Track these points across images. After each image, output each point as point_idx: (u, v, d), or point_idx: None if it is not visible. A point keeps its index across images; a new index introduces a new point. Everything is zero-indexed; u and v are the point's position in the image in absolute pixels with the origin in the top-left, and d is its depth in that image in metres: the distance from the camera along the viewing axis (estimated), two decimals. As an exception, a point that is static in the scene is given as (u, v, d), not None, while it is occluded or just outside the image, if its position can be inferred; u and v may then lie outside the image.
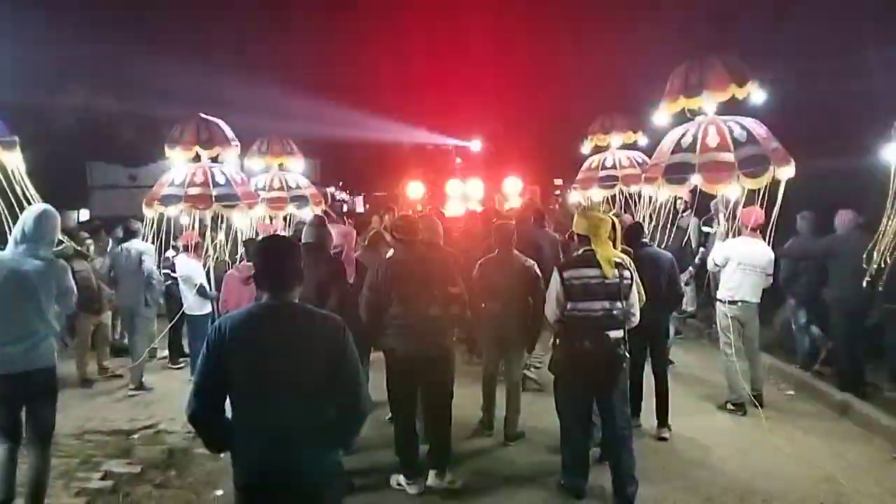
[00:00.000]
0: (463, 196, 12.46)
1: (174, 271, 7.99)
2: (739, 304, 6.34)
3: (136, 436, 5.95)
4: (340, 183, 24.13)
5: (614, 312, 4.43)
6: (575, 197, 9.79)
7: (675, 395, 6.87)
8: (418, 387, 4.93)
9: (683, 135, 5.99)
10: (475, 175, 13.38)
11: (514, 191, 12.52)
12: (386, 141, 21.37)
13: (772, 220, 5.98)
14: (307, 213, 8.76)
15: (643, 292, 4.73)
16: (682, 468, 5.22)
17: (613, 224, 4.63)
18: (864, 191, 6.41)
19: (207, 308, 7.61)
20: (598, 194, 9.16)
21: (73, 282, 4.38)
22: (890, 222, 5.01)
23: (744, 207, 6.20)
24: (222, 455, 5.24)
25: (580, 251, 4.58)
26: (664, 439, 5.74)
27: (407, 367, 4.81)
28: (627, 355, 4.50)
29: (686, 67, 6.09)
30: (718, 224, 6.79)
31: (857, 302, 6.45)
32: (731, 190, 5.88)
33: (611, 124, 9.10)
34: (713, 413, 6.48)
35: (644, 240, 5.92)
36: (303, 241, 5.14)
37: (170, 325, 8.14)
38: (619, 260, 4.51)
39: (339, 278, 5.03)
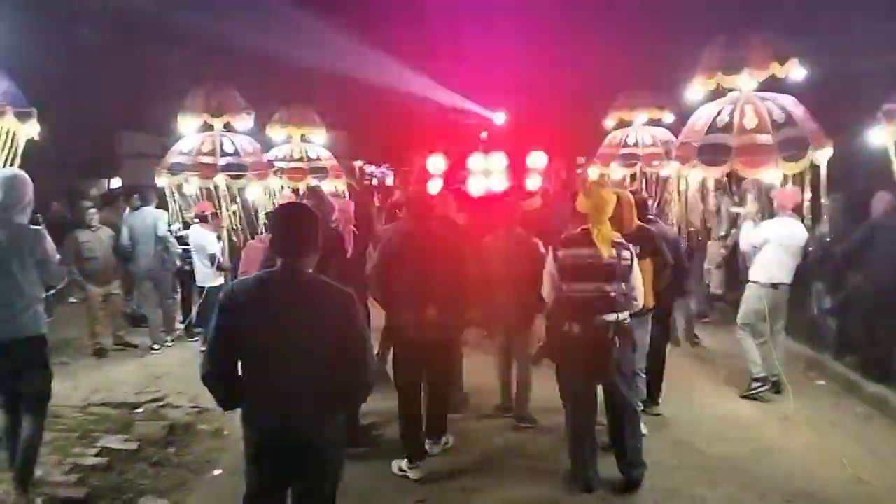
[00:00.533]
0: (485, 171, 12.08)
1: (184, 243, 7.92)
2: (777, 286, 6.15)
3: (140, 409, 5.87)
4: (367, 159, 23.82)
5: (611, 294, 4.20)
6: (593, 173, 9.44)
7: (699, 379, 6.65)
8: (422, 368, 4.83)
9: (719, 113, 5.70)
10: (499, 149, 12.98)
11: (538, 167, 12.12)
12: (414, 113, 20.99)
13: (807, 201, 5.78)
14: (328, 186, 8.54)
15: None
16: (702, 460, 4.95)
17: (620, 200, 4.46)
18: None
19: (220, 280, 7.51)
20: (617, 172, 8.83)
21: (52, 250, 4.20)
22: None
23: (781, 188, 5.98)
24: (226, 432, 5.27)
25: (579, 230, 4.39)
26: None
27: (409, 345, 4.75)
28: (618, 340, 4.24)
29: (725, 42, 5.81)
30: (747, 205, 6.48)
31: (890, 289, 6.17)
32: (770, 175, 5.68)
33: (636, 100, 8.77)
34: (737, 401, 6.19)
35: (650, 216, 5.62)
36: None
37: (181, 298, 8.10)
38: (618, 239, 4.30)
39: (339, 251, 4.94)
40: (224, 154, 7.22)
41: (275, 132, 8.96)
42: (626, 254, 4.26)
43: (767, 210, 6.44)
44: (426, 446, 4.89)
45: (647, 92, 8.85)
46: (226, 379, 2.70)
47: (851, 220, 6.87)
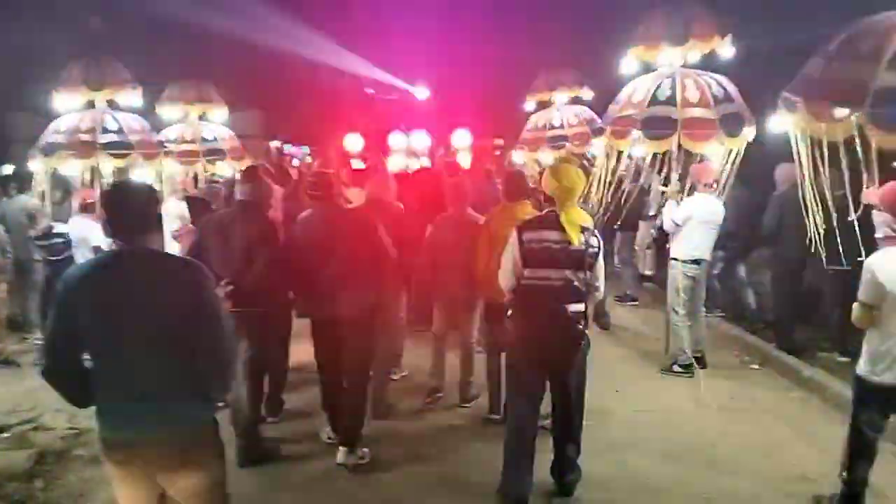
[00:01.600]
0: (407, 150, 11.47)
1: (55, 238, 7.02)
2: (699, 261, 6.11)
3: (5, 434, 5.05)
4: (285, 139, 22.65)
5: (575, 283, 3.88)
6: (519, 157, 9.13)
7: (621, 364, 6.50)
8: (336, 348, 4.61)
9: (659, 86, 5.39)
10: (421, 127, 12.40)
11: (464, 145, 11.59)
12: (333, 88, 20.06)
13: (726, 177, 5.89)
14: (224, 169, 7.75)
15: None
16: (629, 453, 4.64)
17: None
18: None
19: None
20: (547, 156, 8.46)
21: None
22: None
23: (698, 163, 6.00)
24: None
25: (544, 211, 4.07)
26: None
27: (321, 331, 4.67)
28: (586, 332, 3.98)
29: (666, 13, 5.62)
30: (670, 184, 6.20)
31: (797, 261, 6.32)
32: (712, 149, 5.62)
33: (556, 80, 8.51)
34: (660, 381, 6.08)
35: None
36: (237, 198, 4.73)
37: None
38: (585, 225, 3.94)
39: (269, 240, 4.57)
40: (106, 131, 6.41)
41: (166, 110, 8.02)
42: (593, 241, 3.93)
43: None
44: (339, 458, 4.51)
45: (568, 70, 8.62)
46: (68, 375, 2.50)
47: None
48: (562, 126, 8.46)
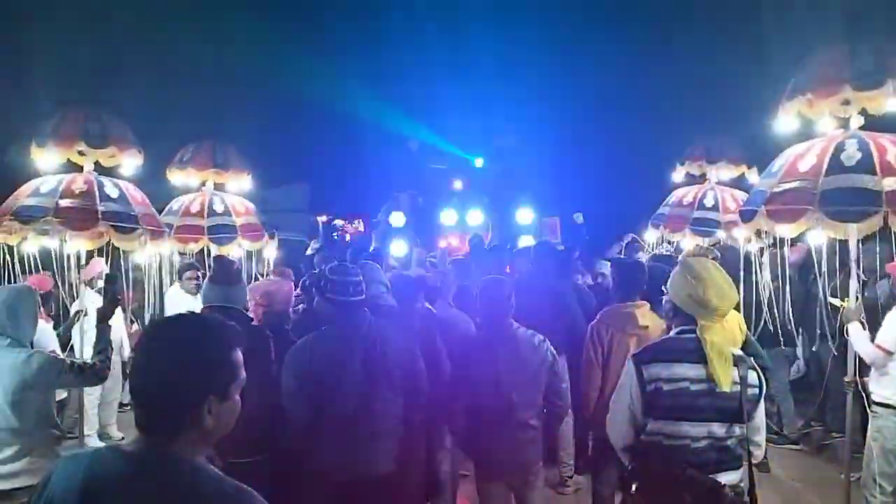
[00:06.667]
0: (460, 227, 10.05)
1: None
2: None
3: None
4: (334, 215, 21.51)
5: (728, 443, 2.77)
6: (652, 236, 7.40)
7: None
8: None
9: (841, 148, 3.77)
10: (477, 202, 11.03)
11: (527, 224, 10.11)
12: (381, 158, 18.95)
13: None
14: (233, 251, 6.25)
15: None
16: None
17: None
18: None
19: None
20: (689, 242, 6.81)
21: None
22: None
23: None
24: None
25: (674, 333, 2.93)
26: None
27: (340, 492, 3.27)
28: None
29: (843, 50, 3.99)
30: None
31: None
32: None
33: (719, 151, 6.89)
34: None
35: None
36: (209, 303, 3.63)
37: None
38: (738, 353, 2.81)
39: (261, 359, 3.39)
40: (105, 198, 5.07)
41: (175, 177, 6.52)
42: (752, 378, 2.79)
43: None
44: None
45: (728, 140, 7.07)
46: None
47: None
48: (715, 207, 6.80)
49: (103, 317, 3.76)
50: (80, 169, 5.21)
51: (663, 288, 3.01)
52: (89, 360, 3.67)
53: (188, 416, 1.58)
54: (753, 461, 2.85)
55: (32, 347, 3.56)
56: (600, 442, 3.82)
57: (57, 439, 3.53)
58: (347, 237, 16.99)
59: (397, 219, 10.56)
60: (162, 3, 11.29)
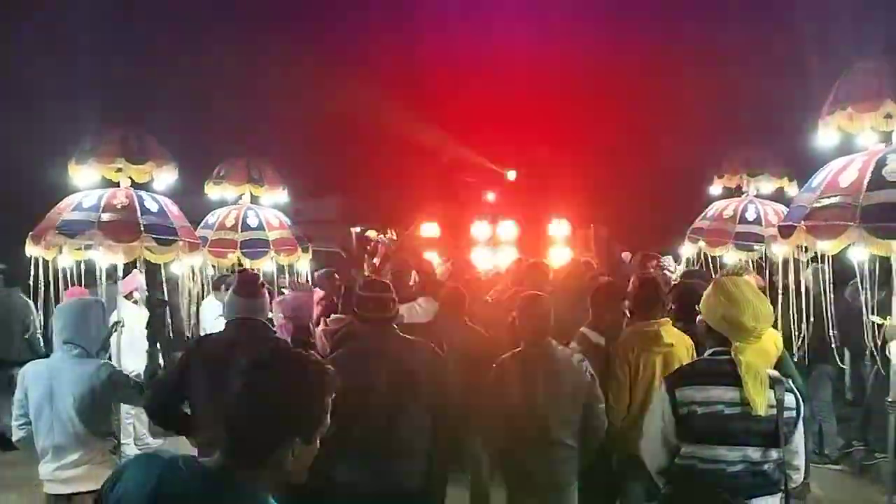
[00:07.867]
0: (492, 241, 9.95)
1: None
2: None
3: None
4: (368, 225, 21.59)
5: (765, 467, 2.70)
6: (689, 250, 7.02)
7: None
8: None
9: (882, 162, 3.65)
10: (510, 215, 10.92)
11: (561, 237, 9.95)
12: (413, 170, 18.96)
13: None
14: (267, 265, 6.33)
15: None
16: None
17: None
18: None
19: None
20: (731, 257, 6.54)
21: None
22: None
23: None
24: None
25: (708, 354, 2.88)
26: None
27: None
28: None
29: (879, 67, 3.89)
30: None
31: None
32: None
33: (762, 163, 6.64)
34: None
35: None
36: (235, 314, 3.58)
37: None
38: (774, 374, 2.74)
39: None
40: (146, 211, 5.20)
41: (212, 191, 6.68)
42: (790, 400, 2.73)
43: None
44: None
45: (768, 151, 6.82)
46: None
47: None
48: (757, 221, 6.53)
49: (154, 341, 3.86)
50: (115, 184, 5.32)
51: (696, 308, 2.95)
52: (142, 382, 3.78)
53: (274, 455, 1.64)
54: (791, 485, 2.77)
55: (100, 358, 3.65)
56: (624, 463, 3.83)
57: (114, 448, 3.64)
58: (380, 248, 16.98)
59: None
60: (198, 23, 11.53)
